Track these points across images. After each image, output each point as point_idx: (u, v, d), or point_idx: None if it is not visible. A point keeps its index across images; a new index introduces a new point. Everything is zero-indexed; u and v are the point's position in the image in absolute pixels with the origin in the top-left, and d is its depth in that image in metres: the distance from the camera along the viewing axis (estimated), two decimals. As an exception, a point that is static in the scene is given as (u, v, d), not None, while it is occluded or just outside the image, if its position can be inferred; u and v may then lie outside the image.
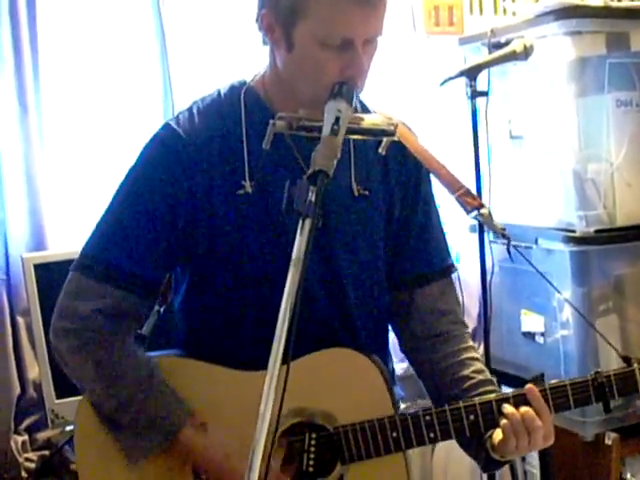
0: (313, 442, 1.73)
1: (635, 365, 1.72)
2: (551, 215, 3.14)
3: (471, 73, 2.81)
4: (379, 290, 1.90)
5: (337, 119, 1.51)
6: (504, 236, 1.81)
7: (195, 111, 1.77)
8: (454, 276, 1.97)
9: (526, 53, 2.84)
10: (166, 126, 1.77)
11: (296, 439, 1.74)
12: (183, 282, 1.85)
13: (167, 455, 1.71)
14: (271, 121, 1.61)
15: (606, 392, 1.71)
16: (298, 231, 1.34)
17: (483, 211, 1.80)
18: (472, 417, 1.71)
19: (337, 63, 1.63)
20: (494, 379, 1.87)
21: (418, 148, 1.84)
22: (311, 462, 1.73)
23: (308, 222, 1.34)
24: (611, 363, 3.01)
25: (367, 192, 1.81)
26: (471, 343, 1.92)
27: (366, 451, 1.72)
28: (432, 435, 1.72)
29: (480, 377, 1.83)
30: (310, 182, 1.37)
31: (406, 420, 1.72)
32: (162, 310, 1.93)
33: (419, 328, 1.91)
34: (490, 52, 3.09)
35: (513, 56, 2.84)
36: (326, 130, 1.49)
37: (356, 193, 1.80)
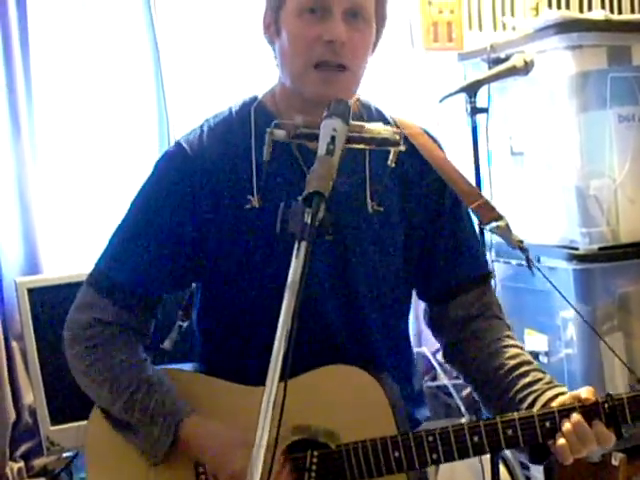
0: (315, 460, 1.70)
1: None
2: (553, 232, 3.10)
3: (471, 89, 2.77)
4: (398, 306, 1.86)
5: (333, 138, 1.47)
6: (521, 249, 1.75)
7: (205, 129, 1.78)
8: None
9: (526, 68, 2.80)
10: (176, 144, 1.79)
11: (298, 456, 1.70)
12: (197, 298, 1.87)
13: (172, 462, 1.70)
14: (268, 129, 1.60)
15: (617, 416, 1.62)
16: (294, 254, 1.31)
17: (500, 223, 1.76)
18: (476, 438, 1.66)
19: (315, 29, 1.64)
20: (532, 359, 1.79)
21: (437, 157, 1.81)
22: None
23: (304, 245, 1.31)
24: (616, 382, 2.97)
25: (381, 208, 1.78)
26: (507, 332, 1.85)
27: (367, 470, 1.68)
28: (435, 456, 1.66)
29: (512, 362, 1.77)
30: (306, 204, 1.34)
31: (408, 440, 1.67)
32: (185, 325, 1.94)
33: (453, 334, 1.88)
34: (490, 68, 3.07)
35: (513, 71, 2.81)
36: (321, 150, 1.46)
37: (370, 210, 1.77)
